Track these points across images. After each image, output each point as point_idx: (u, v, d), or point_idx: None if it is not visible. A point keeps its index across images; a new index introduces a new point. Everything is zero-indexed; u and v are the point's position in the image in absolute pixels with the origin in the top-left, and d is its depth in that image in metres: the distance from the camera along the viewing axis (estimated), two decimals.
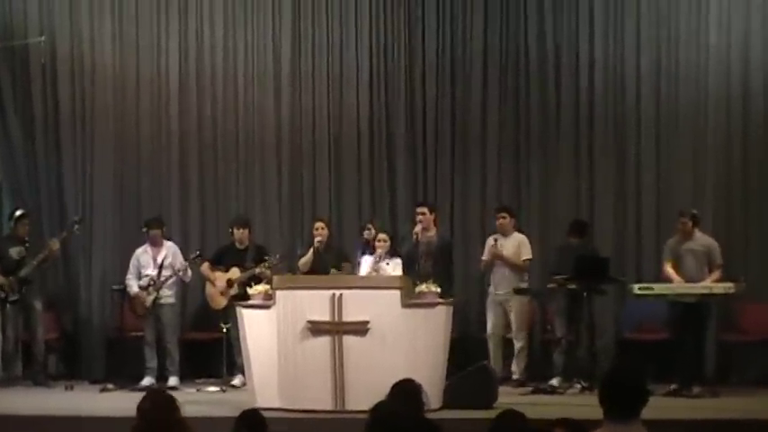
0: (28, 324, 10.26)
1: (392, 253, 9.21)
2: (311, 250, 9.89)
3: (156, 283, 10.05)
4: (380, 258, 9.08)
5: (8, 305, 10.17)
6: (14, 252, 10.26)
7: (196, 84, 11.29)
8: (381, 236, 9.30)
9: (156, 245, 10.19)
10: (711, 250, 9.33)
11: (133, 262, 10.23)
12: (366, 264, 9.17)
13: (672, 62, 10.68)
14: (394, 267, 9.07)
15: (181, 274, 10.17)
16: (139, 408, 4.51)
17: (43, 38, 10.85)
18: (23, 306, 10.22)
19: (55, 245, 10.29)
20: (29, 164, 11.18)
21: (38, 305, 10.26)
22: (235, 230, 10.18)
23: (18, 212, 10.40)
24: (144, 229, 10.24)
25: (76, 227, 10.54)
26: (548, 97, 10.88)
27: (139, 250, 10.25)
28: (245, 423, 4.72)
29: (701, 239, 9.38)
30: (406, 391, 4.92)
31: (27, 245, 10.30)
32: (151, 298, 10.04)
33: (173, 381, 9.96)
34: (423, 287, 8.20)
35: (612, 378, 4.03)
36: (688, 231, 9.33)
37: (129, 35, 11.27)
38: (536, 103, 10.90)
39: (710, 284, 9.13)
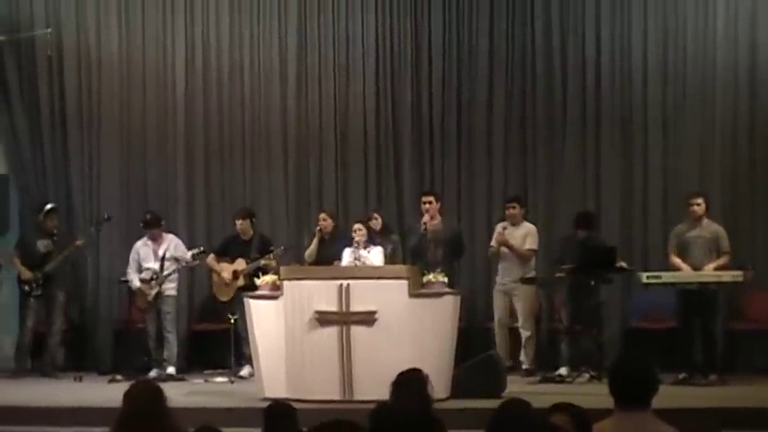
0: (49, 315, 10.33)
1: (372, 241, 9.26)
2: (315, 240, 9.92)
3: (159, 278, 10.03)
4: (359, 246, 9.11)
5: (32, 299, 10.24)
6: (42, 245, 10.34)
7: (202, 76, 11.30)
8: (357, 225, 9.36)
9: (156, 239, 10.18)
10: (719, 237, 9.30)
11: (133, 255, 10.21)
12: (346, 255, 9.21)
13: (679, 50, 10.65)
14: (374, 256, 9.11)
15: (186, 264, 10.18)
16: (125, 395, 4.52)
17: (50, 30, 10.86)
18: (46, 297, 10.30)
19: (81, 242, 10.38)
20: (36, 157, 11.19)
21: (60, 297, 10.38)
22: (236, 222, 10.19)
23: (48, 206, 10.47)
24: (141, 225, 10.23)
25: (105, 222, 10.57)
26: (554, 87, 10.87)
27: (139, 243, 10.24)
28: (275, 415, 4.67)
29: (709, 226, 9.36)
30: (411, 382, 4.90)
31: (55, 238, 10.39)
32: (154, 292, 10.03)
33: (170, 371, 9.92)
34: (430, 277, 8.21)
35: (622, 368, 4.04)
36: (700, 215, 9.29)
37: (135, 28, 11.29)
38: (542, 94, 10.88)
39: (719, 272, 9.11)
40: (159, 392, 4.52)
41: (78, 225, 10.99)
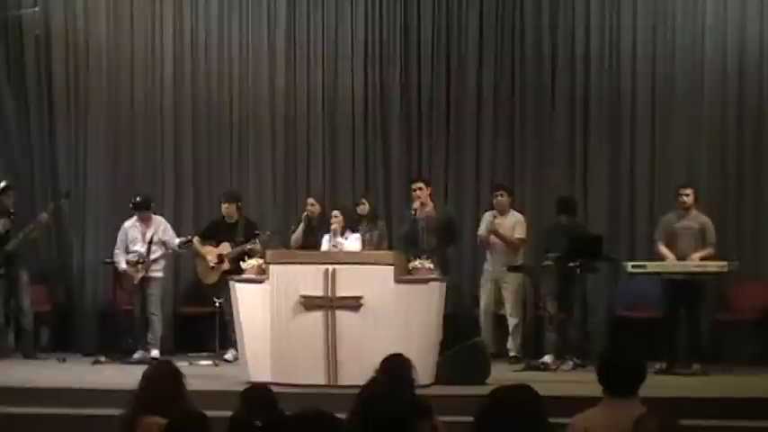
0: (15, 295, 10.22)
1: (352, 228, 9.30)
2: (301, 226, 9.91)
3: (145, 262, 9.97)
4: (336, 234, 9.13)
5: None
6: None
7: (191, 60, 11.26)
8: (335, 212, 9.37)
9: (146, 222, 10.11)
10: (707, 229, 9.32)
11: (121, 236, 10.12)
12: (325, 241, 9.24)
13: (668, 42, 10.66)
14: (352, 243, 9.15)
15: (172, 251, 10.15)
16: (144, 377, 4.52)
17: (37, 8, 10.80)
18: (9, 278, 10.18)
19: (43, 218, 10.24)
20: (22, 137, 11.14)
21: (24, 277, 10.21)
22: (222, 205, 10.16)
23: (2, 184, 10.32)
24: (131, 206, 10.16)
25: (63, 200, 10.52)
26: (543, 75, 10.85)
27: (128, 223, 10.15)
28: (253, 398, 4.60)
29: (697, 217, 9.38)
30: (395, 367, 4.91)
31: (12, 217, 10.24)
32: (140, 275, 9.96)
33: (154, 353, 9.89)
34: (416, 263, 8.21)
35: (611, 357, 4.07)
36: (688, 206, 9.30)
37: (123, 9, 11.23)
38: (531, 81, 10.87)
39: (704, 263, 9.13)
40: (178, 375, 4.52)
41: (64, 208, 10.90)
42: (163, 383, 4.49)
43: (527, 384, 3.96)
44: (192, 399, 4.55)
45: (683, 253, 9.23)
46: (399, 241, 9.76)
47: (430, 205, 9.71)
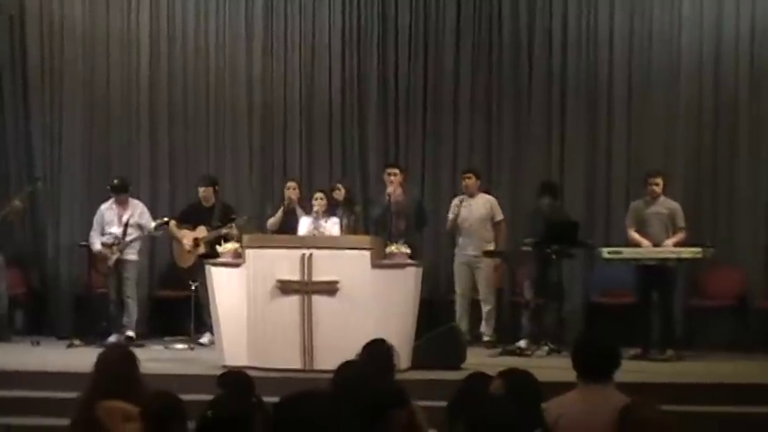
0: None
1: (330, 212, 9.28)
2: (281, 210, 9.88)
3: (120, 243, 9.94)
4: (318, 216, 9.11)
5: None
6: None
7: (167, 43, 11.19)
8: (318, 194, 9.34)
9: (123, 204, 10.08)
10: (675, 213, 9.38)
11: (97, 218, 10.10)
12: (305, 224, 9.20)
13: (645, 31, 10.70)
14: (332, 227, 9.12)
15: (148, 233, 10.11)
16: (99, 360, 4.50)
17: None
18: None
19: (18, 203, 10.17)
20: None
21: None
22: (198, 189, 10.12)
23: None
24: (108, 188, 10.11)
25: (39, 184, 10.44)
26: (521, 63, 10.87)
27: (104, 206, 10.12)
28: (229, 384, 4.61)
29: (666, 203, 9.43)
30: (377, 352, 4.92)
31: None
32: (114, 257, 9.93)
33: (129, 334, 9.88)
34: (393, 248, 8.21)
35: (586, 343, 4.09)
36: (658, 193, 9.36)
37: None
38: (508, 68, 10.89)
39: (679, 249, 9.18)
40: (132, 357, 4.51)
41: (39, 191, 10.82)
42: (119, 366, 4.48)
43: (527, 370, 4.00)
44: (146, 381, 4.54)
45: (655, 238, 9.28)
46: (371, 223, 9.76)
47: (400, 190, 9.73)
